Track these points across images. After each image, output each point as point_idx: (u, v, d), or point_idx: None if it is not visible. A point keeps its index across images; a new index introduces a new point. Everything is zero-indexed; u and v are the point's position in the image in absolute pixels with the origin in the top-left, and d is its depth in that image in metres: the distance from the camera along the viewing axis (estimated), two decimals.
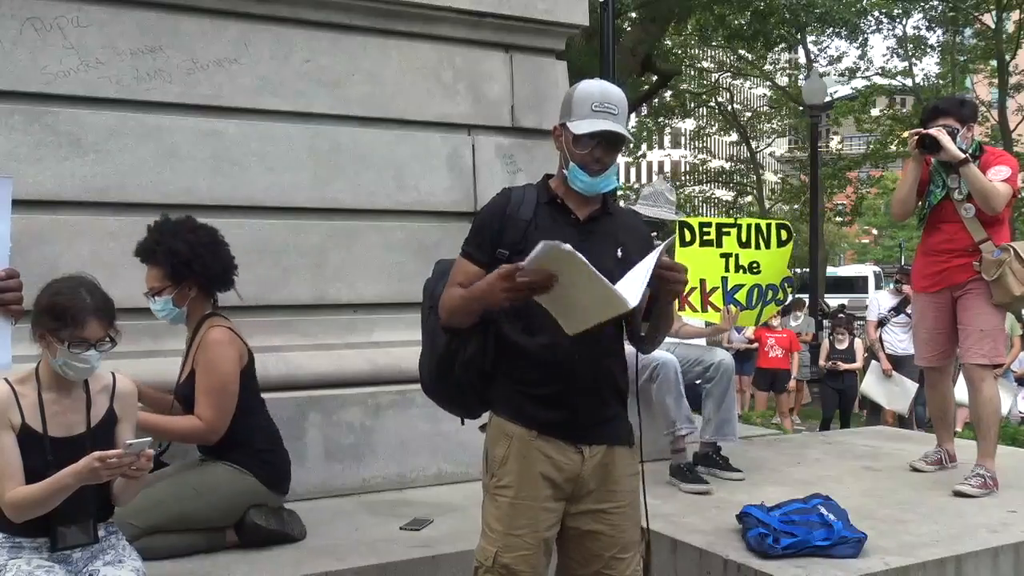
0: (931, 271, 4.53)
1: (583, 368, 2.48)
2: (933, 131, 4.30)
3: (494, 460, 2.55)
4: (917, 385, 9.08)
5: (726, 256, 4.67)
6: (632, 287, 2.29)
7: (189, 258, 3.46)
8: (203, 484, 3.43)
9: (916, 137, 4.36)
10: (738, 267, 4.68)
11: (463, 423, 2.82)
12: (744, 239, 4.69)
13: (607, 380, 2.57)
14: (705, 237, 4.68)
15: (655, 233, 4.65)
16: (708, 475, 4.52)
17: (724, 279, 4.67)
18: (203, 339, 3.48)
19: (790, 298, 5.25)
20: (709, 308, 4.68)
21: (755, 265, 4.68)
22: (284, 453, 3.66)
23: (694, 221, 4.74)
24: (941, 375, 4.77)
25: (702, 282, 4.65)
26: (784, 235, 4.71)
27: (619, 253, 2.57)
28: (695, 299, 4.66)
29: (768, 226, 4.75)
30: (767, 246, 4.70)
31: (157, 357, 3.99)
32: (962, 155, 4.29)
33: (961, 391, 9.18)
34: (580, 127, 2.47)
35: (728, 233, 4.68)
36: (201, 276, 3.51)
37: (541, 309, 2.37)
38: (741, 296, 4.68)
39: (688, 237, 4.66)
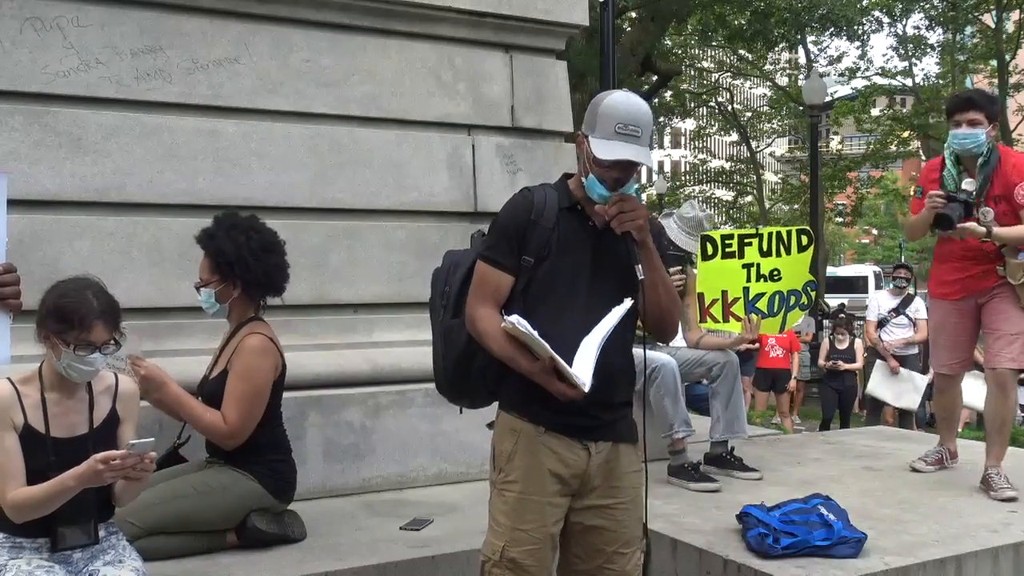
0: (952, 278, 4.44)
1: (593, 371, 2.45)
2: (952, 213, 4.14)
3: (501, 455, 2.57)
4: (928, 378, 9.07)
5: (748, 266, 4.69)
6: (585, 363, 2.38)
7: (232, 260, 3.50)
8: (208, 487, 3.42)
9: (933, 212, 4.19)
10: (759, 276, 4.69)
11: (461, 412, 2.85)
12: (765, 248, 4.69)
13: (615, 382, 2.57)
14: (727, 249, 4.69)
15: (680, 268, 4.67)
16: (723, 475, 4.53)
17: (746, 289, 4.68)
18: (242, 344, 3.48)
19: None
20: (731, 319, 4.69)
21: (776, 272, 4.68)
22: (292, 463, 3.67)
23: (716, 235, 4.75)
24: (953, 381, 4.71)
25: (724, 293, 4.67)
26: (804, 240, 4.71)
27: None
28: (716, 310, 4.68)
29: (789, 233, 4.76)
30: (787, 252, 4.70)
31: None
32: (984, 231, 4.15)
33: (966, 394, 9.20)
34: (600, 150, 2.44)
35: (750, 244, 4.69)
36: (241, 279, 3.53)
37: (554, 313, 2.46)
38: (762, 304, 4.68)
39: (710, 251, 4.68)
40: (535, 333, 2.37)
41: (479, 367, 2.61)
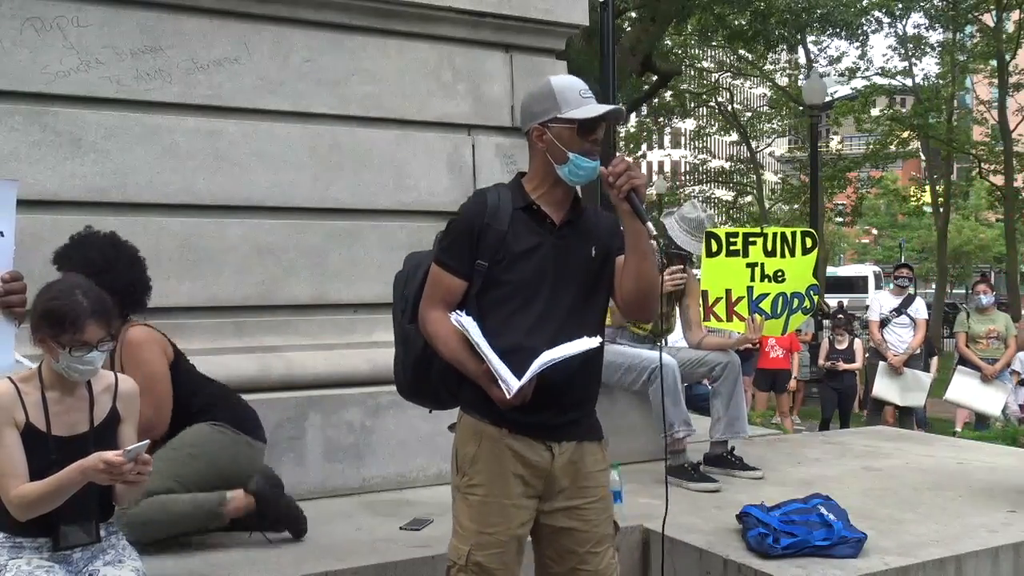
0: None
1: (554, 372, 2.41)
2: None
3: (465, 459, 2.55)
4: (932, 376, 9.09)
5: (752, 266, 4.70)
6: (527, 371, 2.35)
7: (102, 268, 3.37)
8: (188, 443, 3.48)
9: None
10: (763, 276, 4.70)
11: (430, 412, 2.85)
12: (770, 248, 4.71)
13: (578, 381, 2.53)
14: (731, 247, 4.70)
15: (681, 266, 4.67)
16: (724, 475, 4.53)
17: (750, 288, 4.69)
18: (124, 340, 3.46)
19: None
20: (734, 318, 4.70)
21: (780, 274, 4.69)
22: (245, 404, 3.73)
23: (721, 232, 4.76)
24: None
25: (728, 292, 4.69)
26: (809, 243, 4.73)
27: (593, 252, 2.57)
28: (720, 309, 4.69)
29: (793, 234, 4.77)
30: (792, 254, 4.71)
31: None
32: None
33: (958, 392, 9.21)
34: (589, 112, 2.47)
35: (754, 243, 4.70)
36: (110, 287, 3.33)
37: (513, 318, 2.45)
38: (766, 305, 4.70)
39: (715, 247, 4.68)
40: (471, 332, 2.36)
41: (438, 371, 2.60)
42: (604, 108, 2.50)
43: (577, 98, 2.49)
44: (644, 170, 50.17)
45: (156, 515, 3.27)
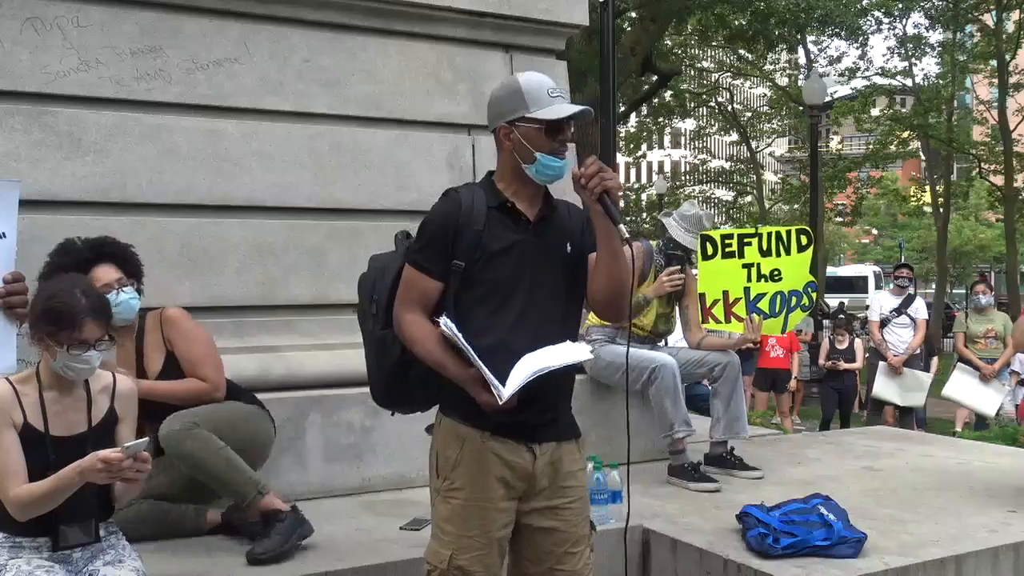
0: None
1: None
2: None
3: (446, 463, 2.52)
4: (931, 376, 9.10)
5: (748, 266, 4.69)
6: (514, 380, 2.33)
7: (138, 258, 3.63)
8: (230, 409, 3.66)
9: None
10: (760, 276, 4.69)
11: (392, 414, 2.84)
12: (765, 248, 4.70)
13: (556, 381, 2.49)
14: (727, 249, 4.69)
15: (679, 267, 4.70)
16: (724, 475, 4.53)
17: (747, 289, 4.68)
18: (164, 319, 3.67)
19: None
20: (732, 319, 4.70)
21: (776, 273, 4.68)
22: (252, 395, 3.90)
23: (716, 234, 4.75)
24: None
25: (725, 294, 4.68)
26: (804, 240, 4.72)
27: (569, 248, 2.55)
28: (718, 311, 4.69)
29: (788, 233, 4.76)
30: (787, 252, 4.70)
31: None
32: None
33: (956, 389, 9.21)
34: (559, 112, 2.46)
35: (749, 243, 4.70)
36: (136, 277, 3.64)
37: (493, 317, 2.44)
38: (764, 304, 4.69)
39: (710, 250, 4.69)
40: (460, 338, 2.34)
41: (417, 375, 2.57)
42: (573, 108, 2.48)
43: (546, 97, 2.47)
44: (644, 170, 50.16)
45: (207, 440, 3.39)
